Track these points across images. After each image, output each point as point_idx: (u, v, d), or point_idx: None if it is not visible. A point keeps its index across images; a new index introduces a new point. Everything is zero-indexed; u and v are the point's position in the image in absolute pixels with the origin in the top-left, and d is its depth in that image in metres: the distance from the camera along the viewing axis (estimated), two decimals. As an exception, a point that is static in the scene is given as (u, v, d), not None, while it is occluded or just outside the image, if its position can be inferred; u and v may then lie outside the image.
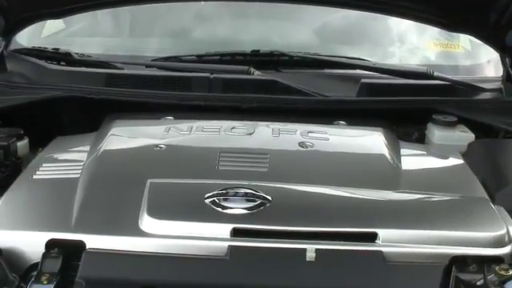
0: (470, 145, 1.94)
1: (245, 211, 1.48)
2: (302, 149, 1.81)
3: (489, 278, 1.35)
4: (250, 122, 1.95)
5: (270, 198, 1.51)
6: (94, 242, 1.41)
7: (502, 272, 1.36)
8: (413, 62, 2.54)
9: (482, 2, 2.13)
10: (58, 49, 2.40)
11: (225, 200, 1.50)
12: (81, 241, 1.41)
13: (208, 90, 2.17)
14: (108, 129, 1.92)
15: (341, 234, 1.45)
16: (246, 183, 1.56)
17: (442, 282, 1.38)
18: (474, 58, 2.59)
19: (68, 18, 2.57)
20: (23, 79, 2.29)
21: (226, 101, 2.09)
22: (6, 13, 2.31)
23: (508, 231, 1.47)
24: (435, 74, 2.24)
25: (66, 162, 1.80)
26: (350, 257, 1.42)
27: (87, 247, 1.40)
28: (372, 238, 1.44)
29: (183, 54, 2.40)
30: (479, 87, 2.27)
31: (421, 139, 2.03)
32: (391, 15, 2.42)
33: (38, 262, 1.39)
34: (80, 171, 1.68)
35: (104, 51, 2.55)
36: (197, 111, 2.06)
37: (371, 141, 1.93)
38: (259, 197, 1.51)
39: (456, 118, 1.99)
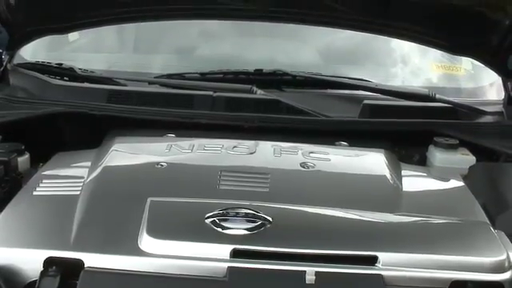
0: (471, 168, 1.94)
1: (245, 232, 1.47)
2: (303, 169, 1.80)
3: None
4: (252, 142, 1.95)
5: (270, 218, 1.51)
6: (92, 260, 1.40)
7: (502, 298, 1.35)
8: (415, 83, 2.55)
9: (484, 26, 2.14)
10: (61, 64, 2.42)
11: (225, 220, 1.50)
12: (79, 259, 1.40)
13: (210, 108, 2.17)
14: (109, 145, 1.92)
15: (341, 257, 1.44)
16: (247, 203, 1.56)
17: None
18: (475, 80, 2.60)
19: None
20: (26, 94, 2.30)
21: (228, 119, 2.09)
22: (11, 27, 2.33)
23: (508, 257, 1.46)
24: (437, 96, 2.26)
25: (67, 179, 1.79)
26: (350, 280, 1.41)
27: (86, 266, 1.39)
28: (372, 261, 1.44)
29: (186, 71, 2.41)
30: (481, 110, 2.27)
31: (422, 161, 2.04)
32: (394, 37, 2.44)
33: (35, 280, 1.38)
34: (80, 188, 1.67)
35: (107, 67, 2.56)
36: (199, 129, 2.06)
37: (373, 162, 1.93)
38: (260, 218, 1.51)
39: (457, 141, 1.99)
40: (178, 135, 2.01)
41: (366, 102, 2.22)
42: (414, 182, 1.89)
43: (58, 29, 2.42)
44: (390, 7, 2.17)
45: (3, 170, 1.72)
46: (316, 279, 1.37)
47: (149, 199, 1.57)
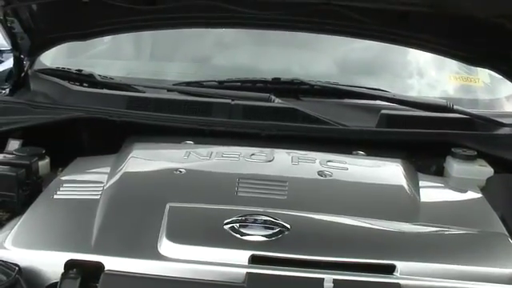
0: (488, 179, 1.93)
1: (263, 238, 1.48)
2: (320, 178, 1.81)
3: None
4: (270, 149, 1.96)
5: (288, 226, 1.52)
6: (112, 263, 1.42)
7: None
8: (432, 94, 2.55)
9: (503, 37, 2.14)
10: (81, 70, 2.44)
11: (244, 226, 1.51)
12: (100, 262, 1.42)
13: (228, 116, 2.18)
14: (128, 151, 1.93)
15: (359, 265, 1.45)
16: (265, 210, 1.57)
17: None
18: (493, 92, 2.59)
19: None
20: (46, 99, 2.32)
21: (246, 127, 2.10)
22: (32, 34, 2.36)
23: (526, 268, 1.46)
24: (455, 107, 2.25)
25: (86, 183, 1.81)
26: None
27: (106, 269, 1.41)
28: (390, 270, 1.44)
29: (204, 79, 2.42)
30: (499, 122, 2.26)
31: (439, 172, 2.03)
32: (412, 47, 2.44)
33: (56, 282, 1.40)
34: (100, 192, 1.69)
35: (126, 74, 2.58)
36: (217, 137, 2.07)
37: (390, 172, 1.93)
38: (278, 224, 1.52)
39: (475, 152, 1.98)
40: (196, 142, 2.02)
41: (383, 111, 2.22)
42: (432, 192, 1.88)
43: (78, 35, 2.44)
44: (409, 18, 2.18)
45: (25, 174, 1.74)
46: (334, 287, 1.38)
47: (168, 205, 1.59)
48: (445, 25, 2.18)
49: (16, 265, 1.42)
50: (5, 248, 1.48)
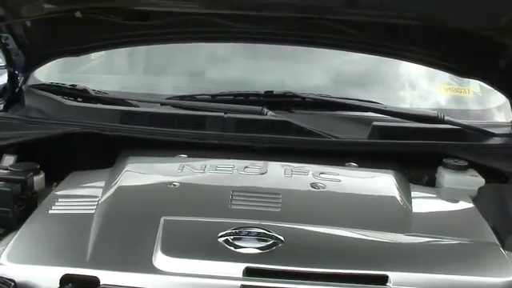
0: (480, 189, 1.95)
1: (257, 251, 1.50)
2: (314, 190, 1.82)
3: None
4: (263, 162, 1.97)
5: (282, 238, 1.53)
6: (108, 278, 1.43)
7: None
8: (423, 105, 2.57)
9: (492, 49, 2.16)
10: (75, 85, 2.46)
11: (238, 239, 1.52)
12: (95, 276, 1.43)
13: (222, 129, 2.20)
14: (123, 165, 1.95)
15: (352, 276, 1.46)
16: (259, 223, 1.58)
17: None
18: (484, 103, 2.62)
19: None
20: (40, 114, 2.33)
21: (240, 140, 2.12)
22: (27, 50, 2.37)
23: (517, 277, 1.48)
24: (446, 118, 2.27)
25: (81, 198, 1.82)
26: None
27: (101, 283, 1.42)
28: (383, 280, 1.46)
29: (197, 93, 2.44)
30: (489, 132, 2.29)
31: (431, 183, 2.05)
32: (404, 60, 2.47)
33: (52, 297, 1.41)
34: (95, 207, 1.70)
35: (120, 88, 2.60)
36: (210, 150, 2.09)
37: (382, 183, 1.95)
38: (272, 237, 1.53)
39: (466, 163, 2.00)
40: (189, 156, 2.04)
41: (375, 123, 2.24)
42: (424, 203, 1.90)
43: (72, 51, 2.46)
44: (399, 31, 2.21)
45: (20, 189, 1.75)
46: (328, 298, 1.39)
47: (162, 218, 1.60)
48: (434, 37, 2.21)
49: (12, 280, 1.43)
50: (0, 263, 1.48)
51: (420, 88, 2.71)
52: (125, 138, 2.12)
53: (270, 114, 2.26)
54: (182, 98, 2.41)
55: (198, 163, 1.96)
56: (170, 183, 1.82)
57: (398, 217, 1.75)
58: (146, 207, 1.74)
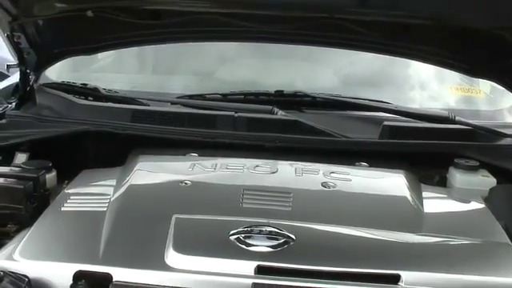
0: (491, 190, 1.95)
1: (269, 249, 1.50)
2: (324, 189, 1.83)
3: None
4: (273, 161, 1.98)
5: (293, 236, 1.53)
6: (120, 274, 1.43)
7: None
8: (434, 105, 2.56)
9: (503, 49, 2.16)
10: (86, 84, 2.46)
11: (249, 237, 1.53)
12: (108, 273, 1.43)
13: (232, 129, 2.20)
14: (134, 164, 1.95)
15: (364, 275, 1.46)
16: (270, 221, 1.58)
17: None
18: (494, 103, 2.61)
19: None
20: (52, 113, 2.34)
21: (250, 139, 2.12)
22: (38, 49, 2.38)
23: (530, 277, 1.47)
24: (457, 118, 2.27)
25: (93, 195, 1.83)
26: None
27: (114, 280, 1.43)
28: (395, 279, 1.45)
29: (208, 92, 2.44)
30: (501, 132, 2.28)
31: (442, 183, 2.05)
32: (414, 59, 2.46)
33: (65, 293, 1.42)
34: (107, 204, 1.71)
35: (130, 87, 2.60)
36: (221, 149, 2.09)
37: (393, 183, 1.95)
38: (283, 235, 1.53)
39: (478, 163, 2.00)
40: (200, 154, 2.04)
41: (385, 123, 2.24)
42: (435, 203, 1.90)
43: (83, 50, 2.48)
44: (411, 31, 2.20)
45: (32, 187, 1.76)
46: (340, 297, 1.39)
47: (174, 216, 1.61)
48: (446, 37, 2.21)
49: (25, 276, 1.43)
50: (14, 260, 1.49)
51: (430, 88, 2.70)
52: (136, 137, 2.13)
53: (281, 114, 2.26)
54: (192, 97, 2.42)
55: (208, 162, 1.97)
56: (182, 181, 1.83)
57: (409, 217, 1.75)
58: (158, 205, 1.75)
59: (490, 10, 1.96)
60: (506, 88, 2.33)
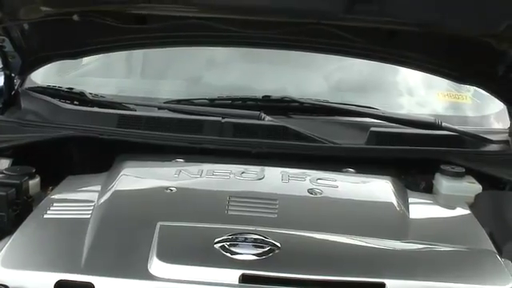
0: (477, 196, 1.95)
1: (254, 257, 1.49)
2: (311, 195, 1.82)
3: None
4: (260, 167, 1.96)
5: (279, 244, 1.52)
6: (103, 284, 1.41)
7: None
8: (421, 111, 2.56)
9: (490, 56, 2.16)
10: (72, 88, 2.44)
11: (234, 245, 1.51)
12: (90, 283, 1.41)
13: (219, 134, 2.19)
14: (119, 170, 1.94)
15: (349, 284, 1.45)
16: (256, 229, 1.57)
17: None
18: (481, 109, 2.62)
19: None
20: (37, 117, 2.32)
21: (237, 145, 2.11)
22: (23, 52, 2.36)
23: (514, 285, 1.47)
24: (443, 124, 2.27)
25: (77, 202, 1.81)
26: None
27: None
28: (380, 288, 1.45)
29: (195, 97, 2.43)
30: (487, 139, 2.29)
31: (428, 189, 2.05)
32: (401, 66, 2.47)
33: (46, 303, 1.40)
34: (90, 211, 1.69)
35: (117, 92, 2.59)
36: (207, 154, 2.08)
37: (380, 189, 1.94)
38: (268, 243, 1.52)
39: (464, 169, 2.00)
40: (186, 160, 2.03)
41: (372, 129, 2.24)
42: (421, 209, 1.89)
43: (69, 54, 2.46)
44: (398, 37, 2.21)
45: (15, 193, 1.73)
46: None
47: (158, 223, 1.59)
48: (433, 43, 2.21)
49: (5, 286, 1.42)
50: None
51: (418, 94, 2.71)
52: (121, 142, 2.11)
53: (268, 119, 2.26)
54: (179, 102, 2.41)
55: (194, 168, 1.95)
56: (167, 188, 1.81)
57: (395, 224, 1.74)
58: (142, 212, 1.73)
59: (476, 17, 1.96)
60: (493, 94, 2.34)
